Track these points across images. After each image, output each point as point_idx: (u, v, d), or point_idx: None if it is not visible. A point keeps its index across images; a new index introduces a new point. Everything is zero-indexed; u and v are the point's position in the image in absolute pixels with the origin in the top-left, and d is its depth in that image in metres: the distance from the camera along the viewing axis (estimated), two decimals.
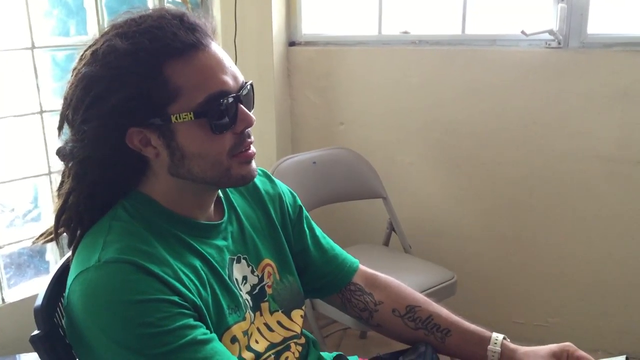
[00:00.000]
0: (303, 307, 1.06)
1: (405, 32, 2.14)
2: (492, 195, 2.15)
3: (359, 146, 2.15)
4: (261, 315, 0.98)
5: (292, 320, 1.03)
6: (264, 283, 1.00)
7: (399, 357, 1.09)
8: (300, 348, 1.04)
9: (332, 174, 2.06)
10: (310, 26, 2.29)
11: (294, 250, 1.08)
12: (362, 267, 1.15)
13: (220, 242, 0.95)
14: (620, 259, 2.04)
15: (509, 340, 1.05)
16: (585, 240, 2.07)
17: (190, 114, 0.84)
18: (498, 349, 1.03)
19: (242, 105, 0.88)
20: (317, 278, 1.11)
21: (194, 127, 0.85)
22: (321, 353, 1.10)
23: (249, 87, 0.90)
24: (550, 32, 1.93)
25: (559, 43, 1.95)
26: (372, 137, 2.23)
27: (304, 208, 1.12)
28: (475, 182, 2.16)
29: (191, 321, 0.83)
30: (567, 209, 2.08)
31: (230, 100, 0.86)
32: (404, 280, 1.81)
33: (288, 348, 1.01)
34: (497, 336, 1.05)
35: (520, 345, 1.05)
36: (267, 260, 1.02)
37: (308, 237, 1.10)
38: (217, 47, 0.88)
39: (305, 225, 1.11)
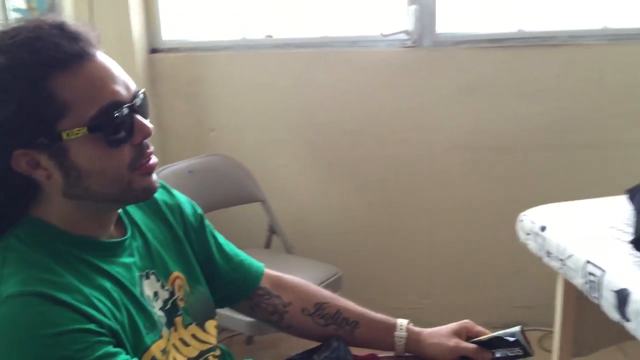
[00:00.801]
0: (216, 318, 1.05)
1: (269, 36, 2.17)
2: (366, 190, 2.25)
3: (231, 151, 2.15)
4: (176, 330, 0.96)
5: (206, 332, 1.01)
6: (175, 297, 0.97)
7: (312, 355, 1.11)
8: None
9: (209, 181, 2.04)
10: (172, 32, 2.24)
11: (199, 260, 1.06)
12: (267, 270, 1.16)
13: (127, 260, 0.91)
14: (480, 241, 2.25)
15: (412, 324, 1.12)
16: (449, 226, 2.25)
17: (83, 129, 0.79)
18: (404, 333, 1.10)
19: (137, 116, 0.84)
20: (224, 286, 1.10)
21: (89, 142, 0.80)
22: None
23: (142, 95, 0.87)
24: (406, 32, 2.07)
25: (414, 42, 2.10)
26: (244, 141, 2.24)
27: (204, 216, 1.11)
28: (349, 179, 2.26)
29: (110, 348, 0.79)
30: (431, 197, 2.25)
31: (125, 111, 0.82)
32: None
33: None
34: (402, 322, 1.11)
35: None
36: (176, 273, 0.99)
37: (212, 245, 1.09)
38: (103, 56, 0.84)
39: (208, 234, 1.09)
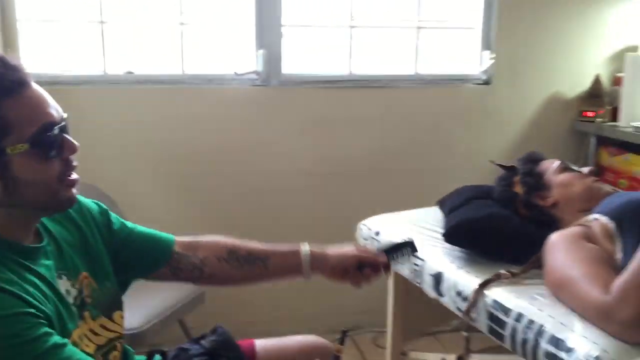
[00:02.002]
0: (122, 308, 1.21)
1: (130, 72, 2.32)
2: (222, 214, 2.45)
3: (95, 181, 2.23)
4: (85, 323, 1.11)
5: (114, 321, 1.17)
6: (83, 295, 1.12)
7: (199, 341, 1.31)
8: (122, 347, 1.19)
9: None
10: (32, 64, 2.28)
11: (115, 250, 1.20)
12: (178, 238, 1.31)
13: (46, 262, 1.05)
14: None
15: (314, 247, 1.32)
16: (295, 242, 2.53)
17: (25, 145, 0.96)
18: (308, 258, 1.29)
19: (65, 135, 1.02)
20: (141, 258, 1.24)
21: (28, 157, 0.96)
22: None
23: (67, 120, 1.05)
24: (256, 72, 2.36)
25: (263, 82, 2.39)
26: (108, 172, 2.32)
27: (109, 210, 1.25)
28: (206, 205, 2.43)
29: (48, 329, 0.94)
30: (279, 217, 2.51)
31: (57, 130, 1.00)
32: (154, 299, 1.99)
33: (114, 348, 1.16)
34: (305, 246, 1.31)
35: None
36: (84, 274, 1.14)
37: (122, 231, 1.23)
38: (36, 85, 1.01)
39: (115, 224, 1.23)
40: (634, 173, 2.56)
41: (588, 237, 1.33)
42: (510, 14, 2.61)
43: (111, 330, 1.16)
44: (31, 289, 0.97)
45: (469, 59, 2.71)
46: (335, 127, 2.52)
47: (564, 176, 1.56)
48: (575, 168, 1.59)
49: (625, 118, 2.58)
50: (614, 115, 2.68)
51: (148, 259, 1.26)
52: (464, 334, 1.42)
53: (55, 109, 1.01)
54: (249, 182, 2.46)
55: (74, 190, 1.05)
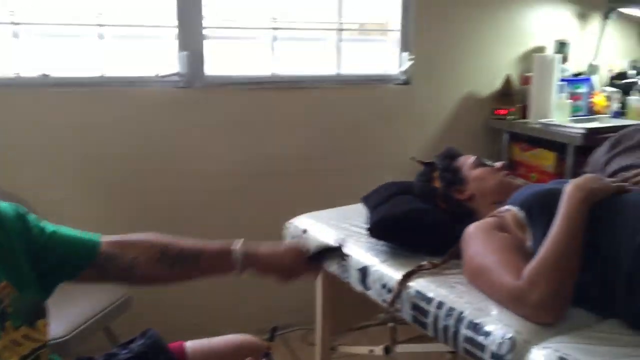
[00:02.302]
0: (47, 316, 1.17)
1: (45, 75, 2.24)
2: (147, 219, 2.39)
3: (11, 187, 2.16)
4: (7, 333, 1.08)
5: (38, 330, 1.13)
6: (3, 305, 1.09)
7: (129, 345, 1.30)
8: (46, 356, 1.16)
9: None
10: None
11: (35, 255, 1.15)
12: (105, 238, 1.26)
13: None
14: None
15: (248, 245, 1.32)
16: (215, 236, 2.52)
17: None
18: (239, 256, 1.28)
19: None
20: (64, 262, 1.19)
21: None
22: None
23: None
24: (178, 74, 2.34)
25: (186, 84, 2.37)
26: (24, 177, 2.24)
27: (26, 214, 1.18)
28: (130, 209, 2.39)
29: None
30: (205, 218, 2.48)
31: None
32: (79, 306, 1.94)
33: (38, 358, 1.13)
34: (237, 245, 1.30)
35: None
36: (3, 283, 1.11)
37: (39, 237, 1.17)
38: None
39: (34, 227, 1.17)
40: (543, 167, 2.73)
41: (501, 226, 1.42)
42: (426, 18, 2.71)
43: (35, 340, 1.13)
44: None
45: (389, 60, 2.79)
46: (260, 128, 2.54)
47: (479, 171, 1.65)
48: (489, 163, 1.68)
49: (534, 115, 2.74)
50: (524, 112, 2.84)
51: (71, 261, 1.21)
52: (390, 324, 1.47)
53: None
54: (174, 185, 2.44)
55: None
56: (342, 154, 2.68)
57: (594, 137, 2.45)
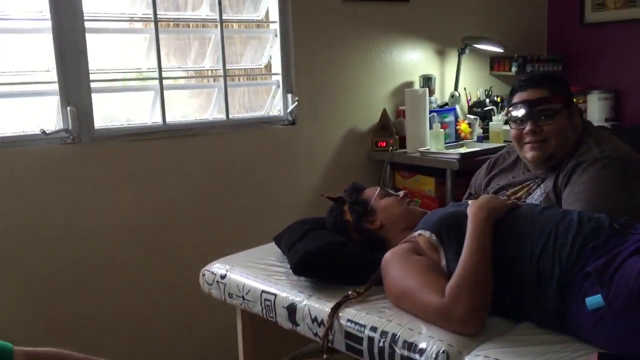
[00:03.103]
0: None
1: None
2: (47, 287, 2.27)
3: None
4: None
5: None
6: None
7: None
8: None
9: None
10: None
11: None
12: (17, 348, 1.23)
13: None
14: (156, 307, 2.52)
15: None
16: (124, 302, 2.45)
17: None
18: None
19: None
20: None
21: None
22: None
23: None
24: (67, 130, 2.26)
25: (74, 139, 2.29)
26: None
27: None
28: (28, 280, 2.24)
29: None
30: (105, 277, 2.40)
31: None
32: None
33: None
34: None
35: None
36: None
37: None
38: None
39: None
40: (425, 191, 2.95)
41: (416, 250, 1.54)
42: (305, 62, 2.85)
43: None
44: None
45: (273, 102, 2.90)
46: (155, 177, 2.51)
47: (385, 201, 1.77)
48: (393, 192, 1.82)
49: (412, 145, 2.97)
50: (402, 143, 3.06)
51: None
52: (325, 356, 1.53)
53: None
54: (67, 245, 2.32)
55: None
56: (238, 196, 2.72)
57: (467, 161, 2.71)
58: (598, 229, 1.38)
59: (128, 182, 2.44)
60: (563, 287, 1.31)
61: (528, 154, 1.85)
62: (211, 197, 2.65)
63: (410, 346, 1.35)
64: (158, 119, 2.52)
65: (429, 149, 2.88)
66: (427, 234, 1.55)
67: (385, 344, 1.39)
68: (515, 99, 1.87)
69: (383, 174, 3.07)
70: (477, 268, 1.37)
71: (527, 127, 1.82)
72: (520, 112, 1.84)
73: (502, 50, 3.31)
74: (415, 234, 1.59)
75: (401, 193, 1.81)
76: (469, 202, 1.58)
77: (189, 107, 2.76)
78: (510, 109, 1.89)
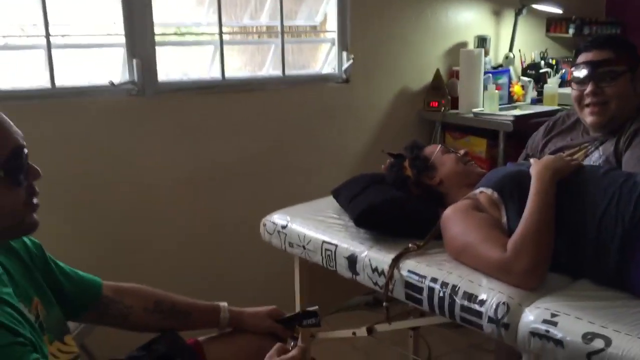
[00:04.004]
0: (71, 332, 1.21)
1: None
2: (111, 230, 2.38)
3: None
4: (47, 346, 1.11)
5: (67, 344, 1.17)
6: (40, 319, 1.12)
7: (151, 345, 1.35)
8: None
9: None
10: None
11: (51, 282, 1.21)
12: (105, 282, 1.34)
13: (6, 289, 1.04)
14: (219, 257, 2.63)
15: (232, 306, 1.44)
16: (189, 250, 2.57)
17: (0, 171, 0.94)
18: (227, 315, 1.41)
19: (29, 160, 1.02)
20: (73, 300, 1.26)
21: (1, 183, 0.95)
22: None
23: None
24: (133, 82, 2.34)
25: (139, 91, 2.37)
26: None
27: (42, 246, 1.24)
28: (95, 221, 2.35)
29: (36, 354, 0.95)
30: (168, 227, 2.51)
31: (26, 153, 0.99)
32: None
33: None
34: (224, 305, 1.42)
35: None
36: (35, 299, 1.14)
37: (54, 268, 1.25)
38: None
39: (49, 260, 1.24)
40: (476, 153, 2.96)
41: (477, 207, 1.58)
42: (361, 20, 2.86)
43: (67, 352, 1.16)
44: (9, 317, 0.96)
45: (328, 60, 2.92)
46: (214, 132, 2.58)
47: (446, 157, 1.81)
48: (453, 150, 1.85)
49: (465, 106, 2.97)
50: (454, 103, 3.06)
51: (77, 302, 1.28)
52: (385, 304, 1.60)
53: (18, 134, 1.00)
54: (132, 194, 2.43)
55: (35, 216, 1.05)
56: (291, 151, 2.79)
57: (521, 123, 2.71)
58: None
59: (188, 135, 2.52)
60: (625, 246, 1.34)
61: (588, 118, 1.86)
62: (266, 152, 2.72)
63: (471, 297, 1.40)
64: (216, 74, 2.58)
65: (482, 110, 2.88)
66: (489, 191, 1.58)
67: (446, 294, 1.44)
68: (579, 59, 1.87)
69: (434, 134, 3.08)
70: (540, 225, 1.40)
71: (589, 88, 1.82)
72: (582, 73, 1.84)
73: (560, 11, 3.25)
74: (477, 191, 1.62)
75: (462, 151, 1.84)
76: (531, 161, 1.60)
77: (241, 63, 2.81)
78: (573, 69, 1.89)
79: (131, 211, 2.44)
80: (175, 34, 2.58)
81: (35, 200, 1.04)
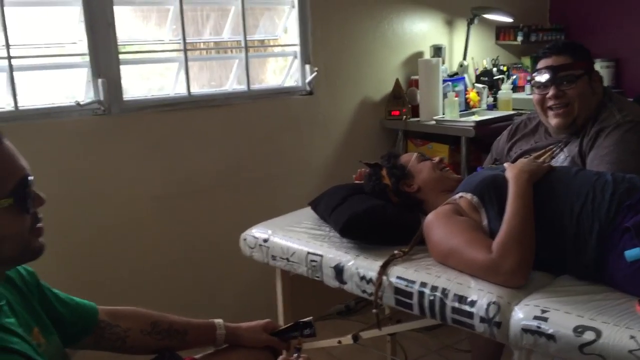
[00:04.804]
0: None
1: None
2: (80, 256, 2.34)
3: None
4: None
5: None
6: (41, 349, 1.10)
7: None
8: None
9: None
10: None
11: (47, 310, 1.19)
12: (100, 307, 1.32)
13: (9, 319, 1.02)
14: (174, 275, 2.61)
15: (227, 322, 1.44)
16: (152, 266, 2.53)
17: (9, 199, 0.94)
18: (223, 331, 1.42)
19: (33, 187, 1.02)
20: (70, 327, 1.25)
21: (10, 210, 0.96)
22: None
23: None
24: (98, 101, 2.30)
25: (105, 110, 2.34)
26: None
27: (36, 274, 1.22)
28: (62, 248, 2.29)
29: None
30: (139, 245, 2.48)
31: (31, 180, 0.99)
32: None
33: None
34: (219, 322, 1.43)
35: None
36: (35, 329, 1.12)
37: (50, 296, 1.23)
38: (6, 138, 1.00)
39: (45, 289, 1.22)
40: None
41: (458, 211, 1.64)
42: (321, 33, 2.91)
43: None
44: (23, 345, 0.95)
45: (290, 73, 2.95)
46: (179, 148, 2.57)
47: (422, 165, 1.86)
48: (428, 157, 1.91)
49: (426, 113, 3.05)
50: (414, 112, 3.14)
51: (74, 328, 1.27)
52: (374, 311, 1.63)
53: (24, 162, 1.02)
54: (99, 213, 2.38)
55: (40, 241, 1.05)
56: (258, 164, 2.79)
57: (482, 128, 2.81)
58: (632, 188, 1.48)
59: (155, 152, 2.50)
60: (602, 241, 1.42)
61: (552, 120, 1.95)
62: (233, 166, 2.72)
63: (461, 298, 1.45)
64: (182, 90, 2.57)
65: (444, 117, 2.97)
66: (468, 195, 1.64)
67: (436, 297, 1.49)
68: (540, 65, 1.96)
69: (397, 142, 3.15)
70: (523, 225, 1.46)
71: (551, 92, 1.92)
72: (544, 77, 1.93)
73: (511, 20, 3.39)
74: (457, 196, 1.68)
75: (436, 158, 1.90)
76: (505, 165, 1.68)
77: (204, 80, 2.80)
78: (534, 74, 1.98)
79: (104, 229, 2.40)
80: (139, 52, 2.55)
81: (39, 225, 1.04)
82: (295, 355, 1.26)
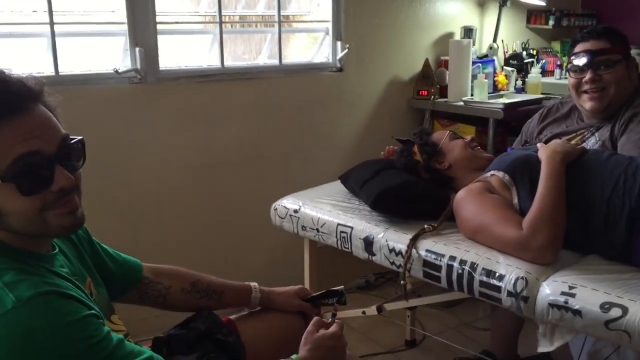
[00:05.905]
0: (116, 311, 1.25)
1: None
2: (114, 217, 2.40)
3: None
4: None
5: (115, 324, 1.21)
6: (93, 298, 1.16)
7: (189, 323, 1.39)
8: None
9: None
10: None
11: (96, 263, 1.25)
12: (144, 263, 1.38)
13: (63, 269, 1.08)
14: (221, 240, 2.68)
15: (262, 286, 1.50)
16: (193, 232, 2.61)
17: None
18: (258, 294, 1.47)
19: (60, 166, 0.96)
20: (117, 281, 1.31)
21: (4, 189, 0.93)
22: None
23: (75, 145, 1.02)
24: (135, 70, 2.35)
25: (141, 79, 2.39)
26: None
27: (87, 229, 1.28)
28: (96, 208, 2.35)
29: (107, 327, 0.99)
30: (171, 213, 2.54)
31: (44, 162, 0.95)
32: None
33: None
34: (255, 285, 1.48)
35: None
36: (88, 279, 1.18)
37: (100, 251, 1.29)
38: (39, 110, 0.97)
39: (95, 244, 1.28)
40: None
41: (489, 189, 1.67)
42: (355, 9, 2.92)
43: (118, 331, 1.19)
44: (79, 292, 1.00)
45: (320, 49, 2.98)
46: (212, 118, 2.61)
47: (454, 143, 1.89)
48: (460, 136, 1.93)
49: (454, 94, 3.06)
50: (442, 92, 3.15)
51: (121, 282, 1.32)
52: (402, 282, 1.67)
53: (46, 138, 0.95)
54: (137, 179, 2.45)
55: (75, 216, 1.03)
56: (287, 138, 2.83)
57: (510, 111, 2.82)
58: None
59: (189, 122, 2.54)
60: (632, 223, 1.45)
61: (587, 103, 1.96)
62: (263, 138, 2.76)
63: (489, 273, 1.49)
64: (215, 62, 2.61)
65: (472, 98, 2.98)
66: (500, 174, 1.67)
67: (464, 271, 1.53)
68: (577, 48, 1.97)
69: (424, 122, 3.17)
70: (554, 204, 1.49)
71: (588, 76, 1.92)
72: (581, 61, 1.94)
73: (543, 4, 3.37)
74: (488, 174, 1.71)
75: (468, 137, 1.92)
76: (538, 146, 1.70)
77: (236, 53, 2.83)
78: (572, 57, 1.99)
79: (137, 195, 2.46)
80: (176, 22, 2.59)
81: (68, 203, 1.00)
82: (330, 320, 1.31)
